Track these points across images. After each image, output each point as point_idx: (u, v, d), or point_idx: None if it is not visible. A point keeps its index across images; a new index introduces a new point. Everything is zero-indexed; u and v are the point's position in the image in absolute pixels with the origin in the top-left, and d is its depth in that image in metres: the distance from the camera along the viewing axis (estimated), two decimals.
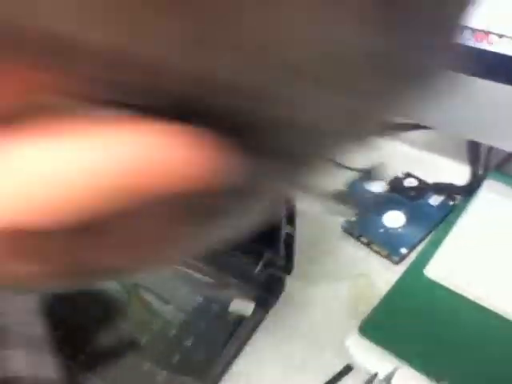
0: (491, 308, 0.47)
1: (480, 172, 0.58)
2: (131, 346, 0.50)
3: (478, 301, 0.48)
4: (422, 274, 0.51)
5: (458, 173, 0.59)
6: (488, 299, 0.48)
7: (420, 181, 0.59)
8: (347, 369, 0.47)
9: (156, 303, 0.52)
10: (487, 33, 0.45)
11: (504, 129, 0.51)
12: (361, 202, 0.58)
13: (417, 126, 0.59)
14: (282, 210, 0.49)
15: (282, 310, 0.52)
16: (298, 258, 0.55)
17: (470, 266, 0.50)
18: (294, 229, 0.51)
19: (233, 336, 0.49)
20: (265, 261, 0.52)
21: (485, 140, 0.55)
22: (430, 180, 0.59)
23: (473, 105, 0.51)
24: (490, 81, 0.48)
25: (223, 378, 0.48)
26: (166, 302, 0.52)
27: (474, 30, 0.45)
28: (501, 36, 0.45)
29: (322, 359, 0.48)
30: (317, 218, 0.58)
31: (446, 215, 0.55)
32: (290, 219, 0.50)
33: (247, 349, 0.50)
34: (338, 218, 0.58)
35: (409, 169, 0.60)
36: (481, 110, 0.51)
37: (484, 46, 0.46)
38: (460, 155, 0.60)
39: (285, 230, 0.51)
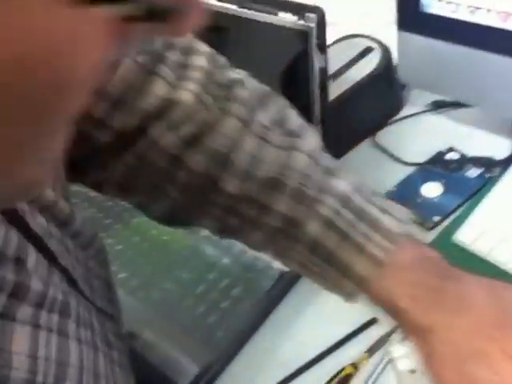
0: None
1: None
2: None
3: (499, 265, 0.51)
4: (451, 239, 0.55)
5: (500, 148, 0.62)
6: (508, 264, 0.51)
7: (461, 155, 0.62)
8: (372, 321, 0.52)
9: (213, 256, 0.60)
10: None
11: None
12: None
13: (459, 104, 0.63)
14: None
15: None
16: None
17: (494, 233, 0.53)
18: None
19: (275, 287, 0.56)
20: None
21: None
22: (473, 154, 0.62)
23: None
24: None
25: (266, 321, 0.55)
26: (223, 255, 0.60)
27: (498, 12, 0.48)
28: None
29: (352, 311, 0.54)
30: None
31: (482, 187, 0.58)
32: None
33: (288, 298, 0.56)
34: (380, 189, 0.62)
35: (453, 144, 0.64)
36: None
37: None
38: (503, 131, 0.63)
39: None
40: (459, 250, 0.54)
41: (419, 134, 0.67)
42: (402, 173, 0.63)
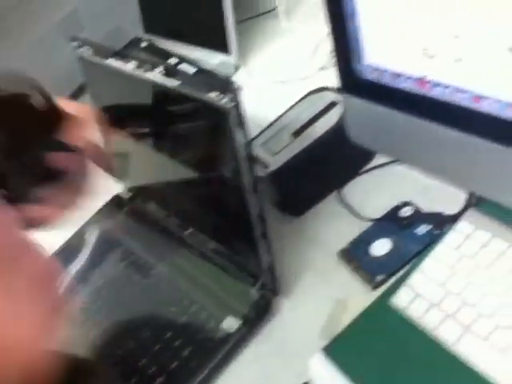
0: (442, 342, 0.49)
1: (473, 201, 0.58)
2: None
3: (431, 332, 0.50)
4: (388, 303, 0.54)
5: (453, 202, 0.60)
6: (440, 331, 0.50)
7: (415, 210, 0.61)
8: None
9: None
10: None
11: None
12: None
13: None
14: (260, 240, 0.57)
15: (268, 328, 0.60)
16: (292, 279, 0.62)
17: (431, 296, 0.52)
18: (272, 257, 0.58)
19: (219, 350, 0.58)
20: (256, 288, 0.61)
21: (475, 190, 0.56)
22: (427, 208, 0.61)
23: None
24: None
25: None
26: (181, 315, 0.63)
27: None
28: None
29: (289, 374, 0.55)
30: (319, 243, 0.65)
31: (429, 245, 0.57)
32: (269, 248, 0.57)
33: (231, 361, 0.58)
34: (337, 244, 0.63)
35: (412, 197, 0.63)
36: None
37: None
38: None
39: (266, 259, 0.58)
40: (395, 315, 0.54)
41: (382, 187, 0.67)
42: (359, 228, 0.64)
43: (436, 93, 0.50)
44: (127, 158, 0.79)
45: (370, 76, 0.56)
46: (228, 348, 0.58)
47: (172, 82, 0.58)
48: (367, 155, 0.70)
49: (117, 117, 0.76)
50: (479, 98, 0.47)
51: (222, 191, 0.60)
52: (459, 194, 0.60)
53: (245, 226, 0.57)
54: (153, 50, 1.10)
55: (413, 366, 0.50)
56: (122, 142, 0.76)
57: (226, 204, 0.61)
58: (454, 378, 0.48)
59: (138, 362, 0.60)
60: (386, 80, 0.54)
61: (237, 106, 0.51)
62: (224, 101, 0.51)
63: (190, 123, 0.59)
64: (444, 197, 0.61)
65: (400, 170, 0.67)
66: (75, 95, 1.04)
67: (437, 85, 0.49)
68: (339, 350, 0.54)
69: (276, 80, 0.92)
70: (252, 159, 0.54)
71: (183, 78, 0.58)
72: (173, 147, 0.66)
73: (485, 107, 0.47)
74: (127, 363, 0.61)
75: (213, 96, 0.52)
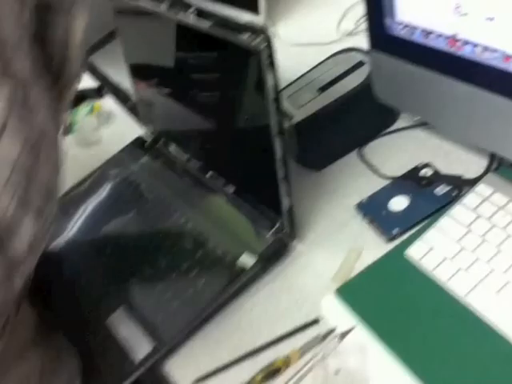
0: (453, 294, 0.52)
1: (493, 166, 0.61)
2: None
3: (443, 283, 0.53)
4: (403, 254, 0.57)
5: (472, 167, 0.62)
6: (452, 283, 0.53)
7: (435, 171, 0.63)
8: (314, 322, 0.56)
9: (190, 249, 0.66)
10: None
11: None
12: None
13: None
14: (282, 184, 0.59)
15: (283, 269, 0.62)
16: (308, 225, 0.65)
17: (445, 251, 0.55)
18: (292, 200, 0.60)
19: (236, 281, 0.60)
20: (275, 229, 0.63)
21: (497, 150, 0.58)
22: (447, 172, 0.63)
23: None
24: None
25: (222, 312, 0.60)
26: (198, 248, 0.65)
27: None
28: None
29: (301, 311, 0.57)
30: (337, 196, 0.67)
31: (446, 204, 0.60)
32: (289, 192, 0.59)
33: (245, 294, 0.61)
34: (355, 199, 0.65)
35: (432, 160, 0.65)
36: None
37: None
38: (480, 151, 0.63)
39: (286, 202, 0.60)
40: (408, 265, 0.56)
41: (403, 149, 0.69)
42: (379, 185, 0.66)
43: (466, 51, 0.52)
44: (153, 103, 0.80)
45: (401, 33, 0.57)
46: (242, 282, 0.60)
47: (204, 23, 0.59)
48: (390, 118, 0.72)
49: (145, 61, 0.77)
50: (509, 57, 0.49)
51: (247, 134, 0.62)
52: (479, 160, 0.63)
53: (268, 168, 0.59)
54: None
55: (422, 313, 0.53)
56: (148, 87, 0.78)
57: (250, 146, 0.63)
58: (462, 328, 0.50)
59: (156, 286, 0.63)
60: (416, 37, 0.56)
61: (268, 47, 0.52)
62: (256, 42, 0.52)
63: (219, 65, 0.61)
64: (464, 162, 0.64)
65: (421, 134, 0.70)
66: (105, 41, 1.04)
67: (467, 43, 0.51)
68: (352, 292, 0.56)
69: (303, 43, 0.94)
70: (279, 101, 0.55)
71: (215, 20, 0.58)
72: (200, 90, 0.68)
73: None
74: (144, 288, 0.64)
75: (245, 37, 0.53)
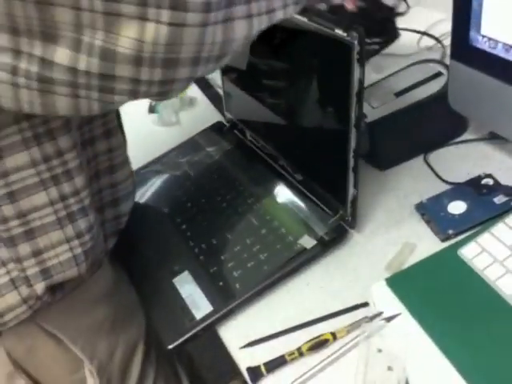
0: (500, 293, 0.55)
1: None
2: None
3: (491, 283, 0.56)
4: (456, 253, 0.60)
5: None
6: (500, 283, 0.56)
7: (495, 182, 0.66)
8: (363, 304, 0.60)
9: (255, 226, 0.71)
10: None
11: None
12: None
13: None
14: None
15: (340, 253, 0.67)
16: (368, 218, 0.69)
17: (496, 254, 0.58)
18: (357, 191, 0.64)
19: (294, 259, 0.65)
20: (337, 217, 0.67)
21: None
22: (509, 183, 0.66)
23: None
24: None
25: (280, 285, 0.65)
26: (262, 227, 0.71)
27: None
28: None
29: (352, 294, 0.62)
30: (398, 195, 0.71)
31: (503, 213, 0.63)
32: (356, 182, 0.64)
33: (303, 272, 0.66)
34: (416, 199, 0.69)
35: (493, 172, 0.68)
36: None
37: None
38: None
39: (351, 192, 0.65)
40: (460, 263, 0.59)
41: (468, 159, 0.72)
42: (440, 189, 0.69)
43: None
44: (236, 94, 0.86)
45: (484, 45, 0.61)
46: (301, 260, 0.65)
47: (299, 18, 0.64)
48: (459, 129, 0.75)
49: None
50: None
51: (324, 124, 0.67)
52: None
53: (339, 158, 0.64)
54: None
55: (467, 308, 0.56)
56: (234, 78, 0.84)
57: (325, 136, 0.67)
58: (505, 325, 0.54)
59: (220, 256, 0.69)
60: (498, 51, 0.59)
61: (360, 43, 0.56)
62: (349, 36, 0.57)
63: (307, 56, 0.66)
64: None
65: (487, 148, 0.73)
66: None
67: None
68: (402, 282, 0.60)
69: (382, 52, 0.98)
70: (362, 95, 0.60)
71: (310, 14, 0.63)
72: (283, 80, 0.73)
73: None
74: (209, 256, 0.69)
75: (339, 31, 0.58)
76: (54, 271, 0.57)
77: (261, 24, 0.48)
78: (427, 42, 0.94)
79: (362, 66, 0.57)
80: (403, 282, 0.60)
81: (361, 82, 0.58)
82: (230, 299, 0.64)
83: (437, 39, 0.91)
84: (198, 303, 0.65)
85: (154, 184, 0.85)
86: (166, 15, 0.41)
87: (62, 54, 0.42)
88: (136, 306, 0.71)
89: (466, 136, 0.75)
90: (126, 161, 0.65)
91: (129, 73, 0.43)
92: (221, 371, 0.88)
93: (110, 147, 0.63)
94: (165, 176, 0.86)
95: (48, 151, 0.52)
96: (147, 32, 0.41)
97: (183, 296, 0.66)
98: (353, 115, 0.60)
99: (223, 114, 0.92)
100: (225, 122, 0.91)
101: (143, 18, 0.41)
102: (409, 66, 0.79)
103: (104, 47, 0.41)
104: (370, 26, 0.78)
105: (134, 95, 0.45)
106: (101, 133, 0.61)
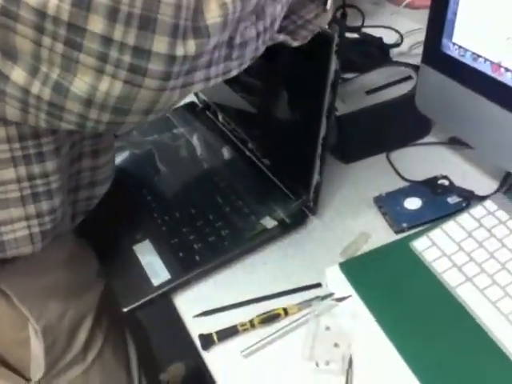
0: (445, 285, 0.59)
1: (502, 189, 0.68)
2: None
3: (438, 274, 0.60)
4: (407, 244, 0.64)
5: (484, 187, 0.69)
6: (446, 276, 0.59)
7: (450, 183, 0.70)
8: (316, 285, 0.63)
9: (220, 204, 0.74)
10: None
11: None
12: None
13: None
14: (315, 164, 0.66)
15: (299, 237, 0.69)
16: (329, 206, 0.72)
17: (445, 248, 0.61)
18: (321, 179, 0.67)
19: (257, 237, 0.68)
20: (300, 201, 0.70)
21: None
22: (463, 186, 0.70)
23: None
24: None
25: (235, 262, 0.67)
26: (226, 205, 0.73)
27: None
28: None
29: (307, 275, 0.64)
30: (359, 188, 0.74)
31: (455, 212, 0.66)
32: (321, 170, 0.66)
33: (261, 250, 0.68)
34: (375, 193, 0.72)
35: (450, 174, 0.72)
36: None
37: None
38: (494, 175, 0.71)
39: (316, 178, 0.67)
40: (411, 254, 0.63)
41: (427, 160, 0.76)
42: (399, 186, 0.73)
43: (506, 78, 0.59)
44: None
45: (454, 53, 0.64)
46: (261, 240, 0.68)
47: None
48: (422, 131, 0.79)
49: None
50: None
51: (296, 111, 0.69)
52: (491, 182, 0.70)
53: (308, 145, 0.66)
54: None
55: (414, 297, 0.59)
56: None
57: (296, 123, 0.70)
58: (448, 314, 0.57)
59: (182, 228, 0.70)
60: (466, 59, 0.63)
61: (340, 36, 0.59)
62: (330, 28, 0.59)
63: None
64: (478, 181, 0.71)
65: (446, 151, 0.77)
66: None
67: (508, 70, 0.58)
68: (354, 267, 0.63)
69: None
70: (336, 86, 0.62)
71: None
72: (261, 64, 0.75)
73: None
74: (171, 228, 0.71)
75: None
76: (8, 246, 0.57)
77: (216, 82, 0.49)
78: (404, 47, 0.98)
79: (340, 57, 0.60)
80: (356, 268, 0.64)
81: (337, 72, 0.61)
82: (188, 270, 0.66)
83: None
84: (157, 271, 0.66)
85: (122, 157, 0.86)
86: (123, 74, 0.42)
87: (18, 74, 0.43)
88: (94, 275, 0.72)
89: (428, 138, 0.79)
90: (110, 146, 0.66)
91: (78, 110, 0.44)
92: (170, 340, 0.90)
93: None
94: (133, 151, 0.87)
95: (25, 131, 0.53)
96: (102, 83, 0.42)
97: (142, 263, 0.68)
98: (325, 104, 0.63)
99: (197, 95, 0.94)
100: (198, 103, 0.93)
101: (100, 71, 0.42)
102: (382, 67, 0.82)
103: (59, 82, 0.43)
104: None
105: (81, 128, 0.47)
106: None
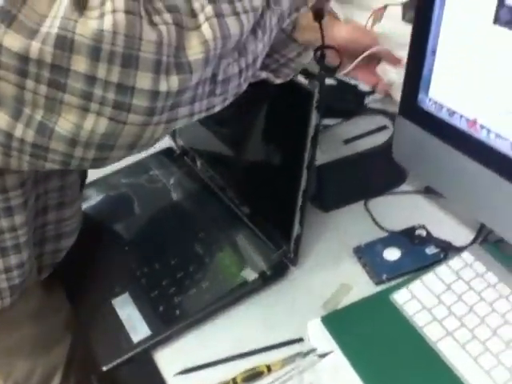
0: (426, 339, 0.59)
1: (479, 241, 0.69)
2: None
3: (419, 328, 0.60)
4: (388, 297, 0.64)
5: (461, 237, 0.70)
6: (426, 329, 0.60)
7: (428, 233, 0.71)
8: (298, 340, 0.62)
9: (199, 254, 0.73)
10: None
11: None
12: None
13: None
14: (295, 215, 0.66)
15: (279, 289, 0.69)
16: (309, 256, 0.72)
17: (425, 302, 0.62)
18: (302, 230, 0.67)
19: (235, 291, 0.67)
20: (280, 252, 0.70)
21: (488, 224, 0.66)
22: (438, 236, 0.71)
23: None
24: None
25: (216, 316, 0.67)
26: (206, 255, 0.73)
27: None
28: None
29: (289, 328, 0.64)
30: (338, 237, 0.74)
31: (433, 263, 0.67)
32: (301, 221, 0.67)
33: (242, 304, 0.68)
34: (354, 242, 0.73)
35: (427, 223, 0.73)
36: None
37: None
38: (470, 225, 0.72)
39: (296, 230, 0.68)
40: (391, 307, 0.63)
41: (404, 209, 0.77)
42: (377, 235, 0.73)
43: (481, 135, 0.60)
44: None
45: (430, 108, 0.66)
46: (242, 293, 0.67)
47: None
48: (398, 180, 0.80)
49: None
50: None
51: (277, 163, 0.70)
52: (467, 232, 0.71)
53: (289, 196, 0.67)
54: None
55: (396, 352, 0.60)
56: None
57: (277, 174, 0.70)
58: (429, 370, 0.57)
59: (161, 281, 0.69)
60: (442, 114, 0.65)
61: (320, 91, 0.60)
62: (310, 84, 0.60)
63: (269, 97, 0.69)
64: (454, 231, 0.72)
65: (422, 200, 0.78)
66: None
67: (483, 127, 0.60)
68: (336, 321, 0.63)
69: None
70: (317, 140, 0.63)
71: None
72: (242, 115, 0.76)
73: None
74: (151, 280, 0.70)
75: (301, 78, 0.62)
76: None
77: (199, 117, 0.50)
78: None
79: (320, 112, 0.61)
80: (337, 321, 0.64)
81: (317, 127, 0.62)
82: (169, 325, 0.65)
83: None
84: (137, 326, 0.65)
85: (98, 204, 0.85)
86: (107, 111, 0.43)
87: (0, 118, 0.43)
88: (62, 328, 0.71)
89: (404, 187, 0.81)
90: (76, 198, 0.66)
91: (63, 149, 0.44)
92: None
93: (63, 184, 0.63)
94: (109, 197, 0.86)
95: None
96: (87, 121, 0.43)
97: (122, 318, 0.67)
98: (306, 157, 0.64)
99: (175, 141, 0.94)
100: (176, 149, 0.93)
101: (85, 109, 0.42)
102: (359, 115, 0.84)
103: (43, 123, 0.43)
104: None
105: (66, 166, 0.47)
106: (56, 171, 0.61)
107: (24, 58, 0.40)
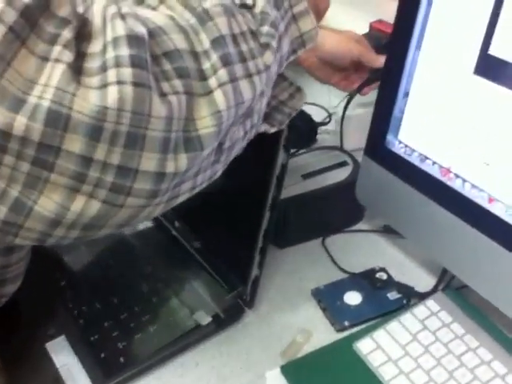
0: None
1: (441, 286, 0.67)
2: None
3: (384, 382, 0.57)
4: (351, 346, 0.60)
5: (423, 282, 0.68)
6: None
7: (389, 277, 0.69)
8: None
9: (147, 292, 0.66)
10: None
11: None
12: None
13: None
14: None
15: (233, 334, 0.64)
16: (265, 298, 0.67)
17: (391, 352, 0.59)
18: (261, 272, 0.63)
19: (188, 336, 0.61)
20: (235, 293, 0.65)
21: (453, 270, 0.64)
22: (399, 279, 0.69)
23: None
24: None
25: (165, 363, 0.60)
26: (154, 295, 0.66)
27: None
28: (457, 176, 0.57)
29: (244, 379, 0.59)
30: (295, 277, 0.70)
31: (396, 310, 0.64)
32: (261, 263, 0.62)
33: (193, 350, 0.62)
34: (312, 284, 0.69)
35: (387, 265, 0.70)
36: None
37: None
38: (432, 269, 0.70)
39: (255, 272, 0.63)
40: (355, 357, 0.60)
41: (362, 248, 0.74)
42: (336, 276, 0.70)
43: (456, 184, 0.58)
44: None
45: (399, 151, 0.64)
46: (194, 337, 0.61)
47: None
48: (355, 218, 0.78)
49: None
50: (493, 199, 0.55)
51: (239, 202, 0.65)
52: (428, 277, 0.69)
53: (250, 236, 0.62)
54: None
55: None
56: None
57: (237, 214, 0.65)
58: None
59: (103, 322, 0.62)
60: (413, 159, 0.62)
61: (289, 132, 0.56)
62: None
63: None
64: (414, 275, 0.69)
65: (380, 239, 0.76)
66: None
67: (458, 177, 0.58)
68: (297, 371, 0.59)
69: None
70: (282, 180, 0.59)
71: None
72: None
73: (495, 209, 0.55)
74: (90, 321, 0.63)
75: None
76: None
77: (200, 189, 0.45)
78: (331, 125, 0.97)
79: (287, 151, 0.57)
80: (298, 371, 0.59)
81: (283, 166, 0.58)
82: (111, 374, 0.58)
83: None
84: (75, 376, 0.58)
85: None
86: (103, 194, 0.37)
87: None
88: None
89: (361, 225, 0.78)
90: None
91: (41, 228, 0.38)
92: None
93: None
94: None
95: None
96: (75, 203, 0.36)
97: (57, 365, 0.59)
98: (270, 197, 0.59)
99: None
100: None
101: (74, 190, 0.36)
102: (317, 150, 0.81)
103: (19, 199, 0.36)
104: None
105: (40, 243, 0.40)
106: None
107: (5, 133, 0.33)
